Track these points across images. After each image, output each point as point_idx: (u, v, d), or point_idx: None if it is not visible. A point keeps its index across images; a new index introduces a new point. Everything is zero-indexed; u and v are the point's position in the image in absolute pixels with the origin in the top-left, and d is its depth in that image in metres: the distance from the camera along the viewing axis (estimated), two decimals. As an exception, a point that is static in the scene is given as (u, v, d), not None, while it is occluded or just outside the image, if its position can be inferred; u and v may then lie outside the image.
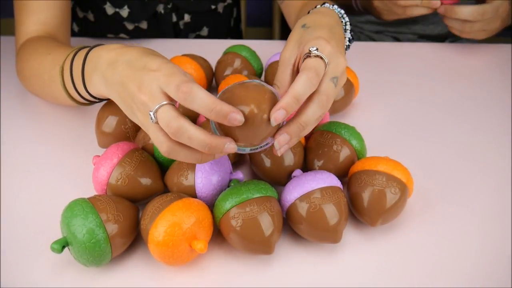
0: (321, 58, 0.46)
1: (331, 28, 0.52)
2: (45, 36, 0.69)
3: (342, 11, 0.57)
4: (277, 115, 0.44)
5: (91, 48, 0.54)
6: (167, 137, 0.45)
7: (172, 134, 0.44)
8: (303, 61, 0.47)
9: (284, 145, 0.46)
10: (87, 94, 0.55)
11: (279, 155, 0.47)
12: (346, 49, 0.58)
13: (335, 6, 0.58)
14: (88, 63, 0.53)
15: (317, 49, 0.47)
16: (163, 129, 0.44)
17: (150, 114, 0.44)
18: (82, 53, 0.55)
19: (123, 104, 0.49)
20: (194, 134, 0.43)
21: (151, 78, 0.45)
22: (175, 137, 0.44)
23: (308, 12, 0.59)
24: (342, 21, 0.57)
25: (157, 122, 0.45)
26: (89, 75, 0.53)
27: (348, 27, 0.58)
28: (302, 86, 0.44)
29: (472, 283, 0.48)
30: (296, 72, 0.50)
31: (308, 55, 0.47)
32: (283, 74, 0.50)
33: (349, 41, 0.58)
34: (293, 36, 0.52)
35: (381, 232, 0.54)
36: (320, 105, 0.46)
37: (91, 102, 0.58)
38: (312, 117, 0.46)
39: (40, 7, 0.70)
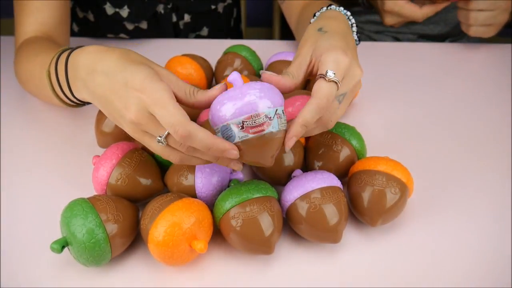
0: (335, 82, 0.47)
1: (345, 36, 0.53)
2: (42, 37, 0.69)
3: (349, 13, 0.58)
4: (290, 143, 0.47)
5: (71, 51, 0.52)
6: (176, 150, 0.46)
7: (186, 152, 0.46)
8: (317, 79, 0.48)
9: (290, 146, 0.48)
10: (75, 98, 0.54)
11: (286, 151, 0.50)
12: None
13: (341, 8, 0.58)
14: (70, 69, 0.52)
15: (334, 74, 0.47)
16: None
17: (159, 139, 0.45)
18: (63, 58, 0.53)
19: (110, 116, 0.49)
20: (207, 151, 0.45)
21: (137, 100, 0.44)
22: (189, 153, 0.46)
23: (314, 15, 0.59)
24: (349, 23, 0.57)
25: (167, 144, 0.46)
26: (73, 81, 0.52)
27: (354, 28, 0.58)
28: (311, 114, 0.46)
29: (472, 283, 0.48)
30: (309, 72, 0.51)
31: (323, 76, 0.47)
32: (299, 69, 0.50)
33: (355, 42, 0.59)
34: (309, 38, 0.52)
35: (381, 232, 0.54)
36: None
37: (81, 105, 0.58)
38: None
39: (38, 7, 0.70)
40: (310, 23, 0.57)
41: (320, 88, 0.46)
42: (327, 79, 0.47)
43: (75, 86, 0.52)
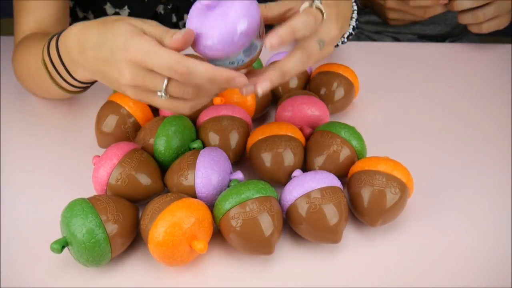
0: (321, 12, 0.47)
1: (338, 4, 0.52)
2: (37, 32, 0.69)
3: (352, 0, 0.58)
4: (273, 42, 0.43)
5: (58, 37, 0.53)
6: (182, 99, 0.46)
7: (191, 97, 0.45)
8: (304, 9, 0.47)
9: (264, 89, 0.46)
10: (75, 81, 0.56)
11: (259, 94, 0.47)
12: (349, 36, 0.57)
13: None
14: (63, 54, 0.53)
15: (321, 3, 0.46)
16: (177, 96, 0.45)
17: (159, 94, 0.45)
18: (53, 44, 0.55)
19: (111, 86, 0.50)
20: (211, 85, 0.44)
21: (126, 63, 0.45)
22: (195, 98, 0.46)
23: None
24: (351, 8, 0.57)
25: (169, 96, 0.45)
26: (69, 65, 0.53)
27: (354, 15, 0.57)
28: (301, 25, 0.45)
29: (472, 283, 0.48)
30: (284, 17, 0.50)
31: (311, 3, 0.47)
32: (276, 6, 0.49)
33: (353, 29, 0.58)
34: None
35: (381, 232, 0.54)
36: (301, 60, 0.47)
37: (83, 89, 0.59)
38: (293, 69, 0.47)
39: (37, 6, 0.70)
40: None
41: (307, 9, 0.46)
42: (314, 6, 0.46)
43: (72, 68, 0.53)
